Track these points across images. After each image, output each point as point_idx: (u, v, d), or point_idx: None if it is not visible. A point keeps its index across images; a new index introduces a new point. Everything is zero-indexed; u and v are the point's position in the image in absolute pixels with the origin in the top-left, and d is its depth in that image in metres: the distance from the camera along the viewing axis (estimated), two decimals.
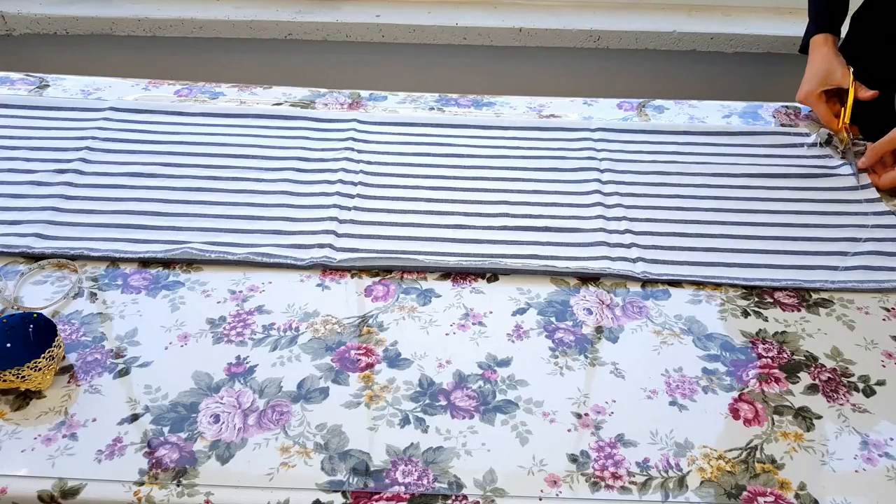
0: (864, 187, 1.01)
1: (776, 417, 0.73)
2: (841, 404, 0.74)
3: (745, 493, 0.66)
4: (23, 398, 0.72)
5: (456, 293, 0.85)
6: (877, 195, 1.00)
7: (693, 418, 0.72)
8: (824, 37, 1.13)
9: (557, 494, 0.66)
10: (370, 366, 0.76)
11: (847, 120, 1.09)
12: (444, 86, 1.51)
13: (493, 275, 0.88)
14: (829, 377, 0.77)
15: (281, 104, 1.15)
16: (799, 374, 0.77)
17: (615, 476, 0.67)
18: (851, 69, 1.10)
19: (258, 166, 1.01)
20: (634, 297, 0.85)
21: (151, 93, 1.17)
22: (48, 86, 1.17)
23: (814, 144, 1.09)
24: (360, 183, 1.00)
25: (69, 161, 1.00)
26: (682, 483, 0.67)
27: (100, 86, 1.18)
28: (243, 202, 0.95)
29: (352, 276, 0.87)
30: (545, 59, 1.57)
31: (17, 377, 0.70)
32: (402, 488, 0.65)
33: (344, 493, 0.65)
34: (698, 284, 0.87)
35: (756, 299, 0.85)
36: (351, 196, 0.97)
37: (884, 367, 0.79)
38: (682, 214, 0.97)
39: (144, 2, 1.54)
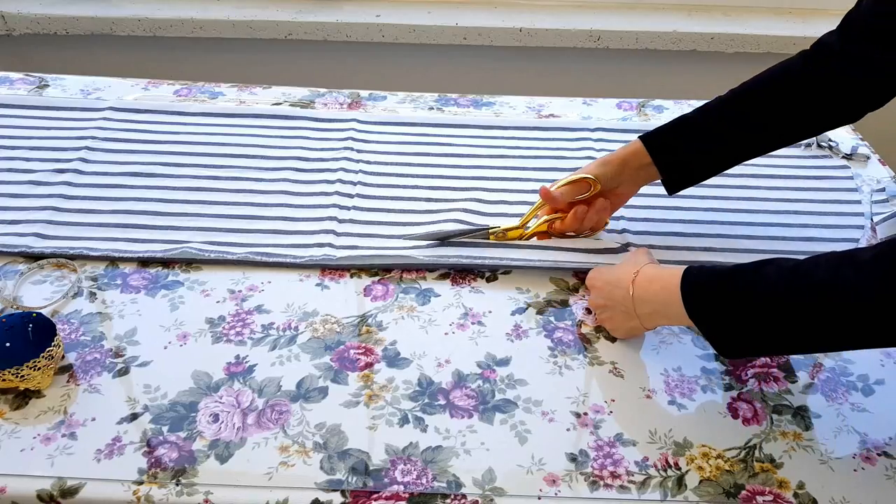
0: None
1: (775, 416, 0.73)
2: (840, 403, 0.74)
3: (743, 492, 0.66)
4: (22, 397, 0.72)
5: (455, 293, 0.85)
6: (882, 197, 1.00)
7: (692, 417, 0.72)
8: None
9: (556, 494, 0.66)
10: (369, 365, 0.76)
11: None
12: (443, 86, 1.50)
13: (492, 274, 0.88)
14: (827, 376, 0.77)
15: (281, 104, 1.15)
16: (798, 374, 0.77)
17: (614, 475, 0.67)
18: None
19: (258, 166, 1.01)
20: None
21: (151, 93, 1.17)
22: (48, 86, 1.17)
23: (810, 145, 1.09)
24: (360, 183, 1.00)
25: (69, 161, 1.00)
26: (680, 482, 0.67)
27: (99, 86, 1.18)
28: (243, 202, 0.95)
29: (351, 276, 0.87)
30: (545, 59, 1.57)
31: (17, 377, 0.70)
32: (401, 487, 0.65)
33: (343, 493, 0.65)
34: None
35: None
36: (350, 196, 0.97)
37: (882, 366, 0.78)
38: (680, 214, 0.97)
39: (144, 2, 1.54)
